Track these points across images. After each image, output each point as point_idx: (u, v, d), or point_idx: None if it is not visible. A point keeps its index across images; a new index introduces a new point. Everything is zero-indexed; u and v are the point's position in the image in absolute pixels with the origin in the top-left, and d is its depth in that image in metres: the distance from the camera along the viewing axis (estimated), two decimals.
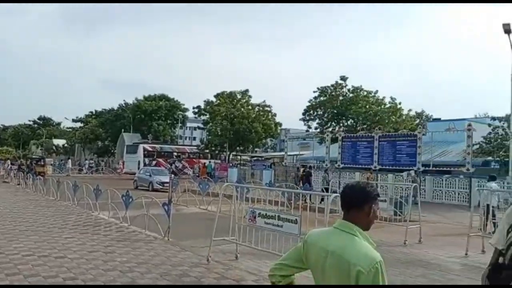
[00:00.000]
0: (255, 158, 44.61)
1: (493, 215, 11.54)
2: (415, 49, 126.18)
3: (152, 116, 58.24)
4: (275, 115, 45.16)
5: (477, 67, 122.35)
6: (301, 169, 24.64)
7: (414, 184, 13.34)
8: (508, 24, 18.43)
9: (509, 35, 18.62)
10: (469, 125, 20.85)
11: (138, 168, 32.00)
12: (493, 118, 23.70)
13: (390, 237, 11.20)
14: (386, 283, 1.98)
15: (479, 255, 8.97)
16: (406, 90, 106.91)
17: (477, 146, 22.31)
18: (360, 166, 24.37)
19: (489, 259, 2.34)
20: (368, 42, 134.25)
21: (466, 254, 9.23)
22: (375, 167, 23.25)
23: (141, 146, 39.52)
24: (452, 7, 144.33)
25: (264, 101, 44.52)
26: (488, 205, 11.63)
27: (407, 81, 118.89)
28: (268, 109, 44.48)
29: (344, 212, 2.15)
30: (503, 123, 22.03)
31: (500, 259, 2.17)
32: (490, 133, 22.99)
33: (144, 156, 38.42)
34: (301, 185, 21.11)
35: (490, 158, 22.84)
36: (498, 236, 2.27)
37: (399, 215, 13.26)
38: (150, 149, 40.89)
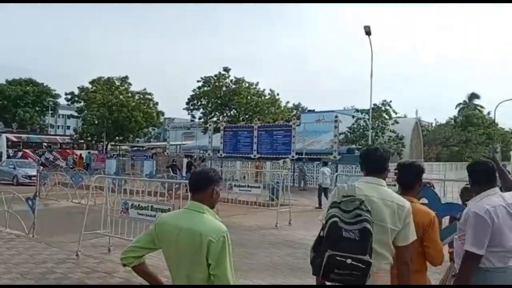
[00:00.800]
0: (135, 148, 43.02)
1: (325, 195, 14.15)
2: (296, 45, 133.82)
3: (17, 103, 52.34)
4: (157, 103, 44.09)
5: (352, 64, 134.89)
6: (171, 160, 24.86)
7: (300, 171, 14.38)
8: (369, 26, 20.70)
9: (369, 36, 20.93)
10: (336, 116, 23.05)
11: (0, 161, 28.68)
12: (357, 110, 26.50)
13: (264, 221, 11.95)
14: (231, 250, 2.34)
15: None
16: (287, 83, 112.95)
17: (343, 136, 24.68)
18: (241, 155, 25.31)
19: None
20: (252, 37, 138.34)
21: None
22: (254, 155, 24.35)
23: (3, 136, 35.33)
24: (332, 7, 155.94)
25: (145, 89, 43.13)
26: (320, 185, 15.44)
27: (289, 75, 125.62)
28: (150, 97, 43.22)
29: (193, 194, 2.48)
30: (365, 115, 24.78)
31: (321, 232, 2.56)
32: (353, 124, 25.66)
33: (8, 147, 34.46)
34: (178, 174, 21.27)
35: (353, 146, 25.52)
36: (324, 212, 2.67)
37: (274, 200, 14.16)
38: (14, 139, 36.80)
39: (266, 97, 40.04)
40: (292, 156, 23.09)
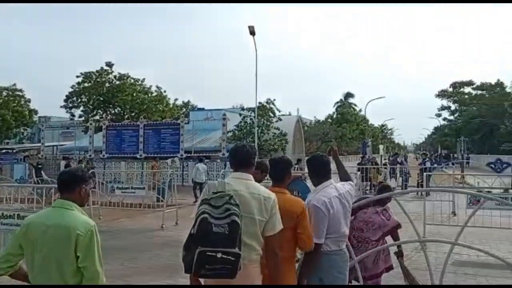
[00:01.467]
0: (4, 151, 38.54)
1: (201, 190, 14.80)
2: (187, 43, 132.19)
3: None
4: (29, 100, 40.06)
5: (241, 63, 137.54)
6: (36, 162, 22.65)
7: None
8: (253, 26, 21.33)
9: (253, 36, 21.58)
10: (224, 115, 23.41)
11: None
12: (243, 109, 27.21)
13: (149, 223, 11.65)
14: (99, 243, 2.50)
15: None
16: (176, 80, 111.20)
17: (231, 134, 25.16)
18: (126, 155, 24.26)
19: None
20: (139, 30, 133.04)
21: None
22: (140, 155, 23.54)
23: None
24: (223, 6, 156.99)
25: (14, 85, 38.86)
26: (194, 180, 16.45)
27: (178, 72, 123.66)
28: (20, 93, 39.07)
29: (61, 193, 2.61)
30: (251, 113, 25.57)
31: (192, 230, 2.59)
32: (241, 122, 26.32)
33: None
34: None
35: (240, 143, 26.16)
36: (196, 210, 2.70)
37: (162, 201, 13.85)
38: None
39: (153, 94, 38.97)
40: (181, 155, 22.84)
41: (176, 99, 47.10)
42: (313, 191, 3.32)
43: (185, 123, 23.89)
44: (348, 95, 66.65)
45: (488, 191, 11.07)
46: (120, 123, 26.10)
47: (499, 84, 57.24)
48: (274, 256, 2.79)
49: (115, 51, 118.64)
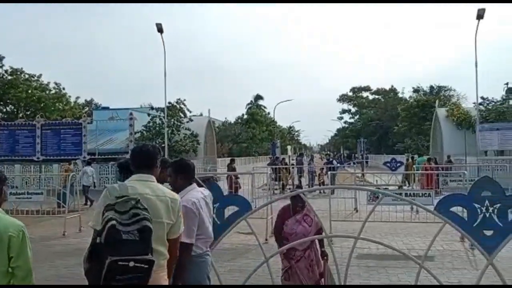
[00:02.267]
0: None
1: (87, 193, 15.70)
2: (92, 37, 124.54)
3: None
4: None
5: (149, 61, 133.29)
6: None
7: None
8: (161, 24, 20.82)
9: (161, 34, 21.07)
10: (131, 114, 22.51)
11: None
12: (152, 108, 26.46)
13: (50, 231, 10.78)
14: (30, 244, 2.58)
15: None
16: (77, 77, 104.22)
17: (139, 134, 24.30)
18: (21, 157, 22.18)
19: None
20: (35, 22, 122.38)
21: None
22: (37, 158, 21.69)
23: None
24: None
25: None
26: (83, 185, 16.12)
27: (80, 68, 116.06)
28: None
29: None
30: (160, 113, 24.94)
31: (98, 239, 2.39)
32: (149, 122, 25.54)
33: None
34: None
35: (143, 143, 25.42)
36: (96, 218, 2.51)
37: (63, 207, 12.90)
38: None
39: (51, 92, 36.14)
40: (83, 157, 21.46)
41: (77, 97, 44.29)
42: (180, 193, 3.24)
43: (88, 123, 22.49)
44: (258, 97, 68.20)
45: (385, 188, 12.08)
46: (13, 123, 23.72)
47: (393, 90, 63.10)
48: (175, 259, 2.80)
49: (7, 44, 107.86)
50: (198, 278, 3.31)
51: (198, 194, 3.40)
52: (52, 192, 13.42)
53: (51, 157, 21.62)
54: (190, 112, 28.39)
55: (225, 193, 8.04)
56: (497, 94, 32.74)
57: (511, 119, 24.26)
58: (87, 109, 44.33)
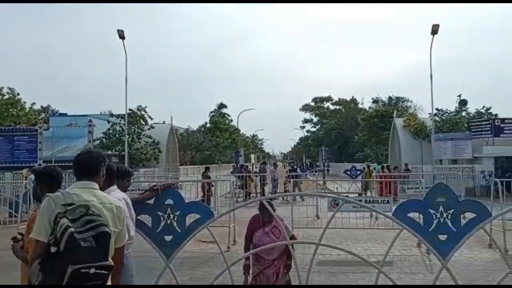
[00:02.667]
0: None
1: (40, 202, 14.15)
2: (50, 43, 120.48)
3: None
4: None
5: (110, 68, 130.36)
6: None
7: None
8: (122, 30, 20.47)
9: (123, 40, 20.69)
10: (90, 121, 21.90)
11: None
12: (112, 115, 25.84)
13: (0, 242, 10.22)
14: None
15: None
16: (33, 82, 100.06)
17: (98, 142, 23.65)
18: None
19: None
20: None
21: None
22: None
23: None
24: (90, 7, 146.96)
25: None
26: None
27: (38, 74, 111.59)
28: None
29: None
30: (120, 120, 24.39)
31: (53, 249, 2.29)
32: (109, 129, 24.91)
33: None
34: None
35: (110, 152, 24.80)
36: (39, 227, 2.42)
37: (15, 216, 12.33)
38: None
39: (5, 97, 34.55)
40: (39, 165, 20.59)
41: (33, 103, 42.54)
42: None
43: (44, 129, 21.73)
44: (222, 105, 68.12)
45: (346, 195, 12.31)
46: None
47: (353, 100, 64.84)
48: (121, 266, 2.78)
49: None
50: (126, 277, 3.41)
51: (120, 195, 3.45)
52: (3, 201, 12.80)
53: (4, 164, 20.64)
54: (152, 119, 27.96)
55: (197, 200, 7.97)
56: (451, 105, 34.39)
57: (463, 129, 25.46)
58: (43, 115, 42.68)
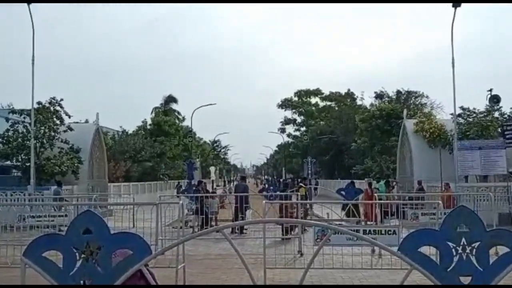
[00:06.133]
0: None
1: None
2: None
3: None
4: None
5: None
6: None
7: None
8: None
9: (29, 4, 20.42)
10: None
11: None
12: (13, 112, 25.33)
13: None
14: None
15: None
16: None
17: None
18: None
19: None
20: None
21: None
22: None
23: None
24: None
25: None
26: None
27: None
28: None
29: None
30: (25, 118, 23.85)
31: None
32: (8, 129, 24.29)
33: None
34: None
35: (9, 163, 24.20)
36: None
37: None
38: None
39: None
40: None
41: None
42: None
43: None
44: (170, 99, 67.72)
45: (339, 224, 12.42)
46: None
47: (350, 95, 65.70)
48: None
49: None
50: None
51: None
52: None
53: None
54: (70, 117, 27.45)
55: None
56: (479, 103, 34.71)
57: (495, 135, 25.73)
58: None
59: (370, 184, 22.70)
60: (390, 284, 9.59)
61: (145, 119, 57.65)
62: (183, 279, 9.45)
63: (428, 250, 3.80)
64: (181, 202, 11.85)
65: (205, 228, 18.32)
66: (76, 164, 25.19)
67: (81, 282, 3.76)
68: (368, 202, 16.23)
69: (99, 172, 29.58)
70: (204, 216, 18.73)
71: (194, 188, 23.04)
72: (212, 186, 40.21)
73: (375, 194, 19.70)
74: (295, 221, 13.08)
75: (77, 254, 3.77)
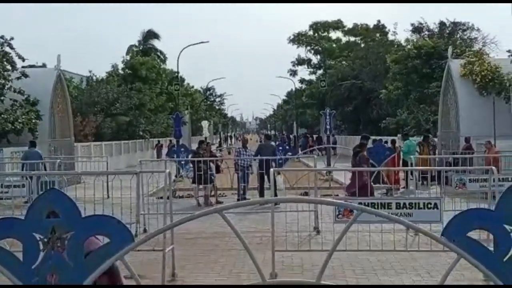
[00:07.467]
0: None
1: None
2: None
3: None
4: None
5: None
6: None
7: None
8: None
9: None
10: None
11: None
12: None
13: None
14: None
15: None
16: None
17: None
18: None
19: None
20: None
21: None
22: None
23: None
24: None
25: None
26: None
27: None
28: None
29: None
30: None
31: None
32: None
33: None
34: None
35: None
36: None
37: None
38: None
39: None
40: None
41: None
42: None
43: None
44: (150, 35, 67.12)
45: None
46: None
47: (380, 28, 64.93)
48: None
49: None
50: None
51: None
52: None
53: None
54: (24, 60, 27.40)
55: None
56: None
57: None
58: None
59: (394, 143, 22.77)
60: (431, 269, 9.69)
61: (115, 63, 55.53)
62: (171, 264, 9.51)
63: (479, 234, 3.81)
64: (167, 171, 11.81)
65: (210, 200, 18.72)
66: (33, 120, 25.25)
67: (47, 276, 3.81)
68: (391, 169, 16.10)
69: (63, 129, 29.61)
70: (210, 185, 18.94)
71: (193, 151, 23.09)
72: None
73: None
74: (315, 200, 13.08)
75: (40, 243, 3.81)
